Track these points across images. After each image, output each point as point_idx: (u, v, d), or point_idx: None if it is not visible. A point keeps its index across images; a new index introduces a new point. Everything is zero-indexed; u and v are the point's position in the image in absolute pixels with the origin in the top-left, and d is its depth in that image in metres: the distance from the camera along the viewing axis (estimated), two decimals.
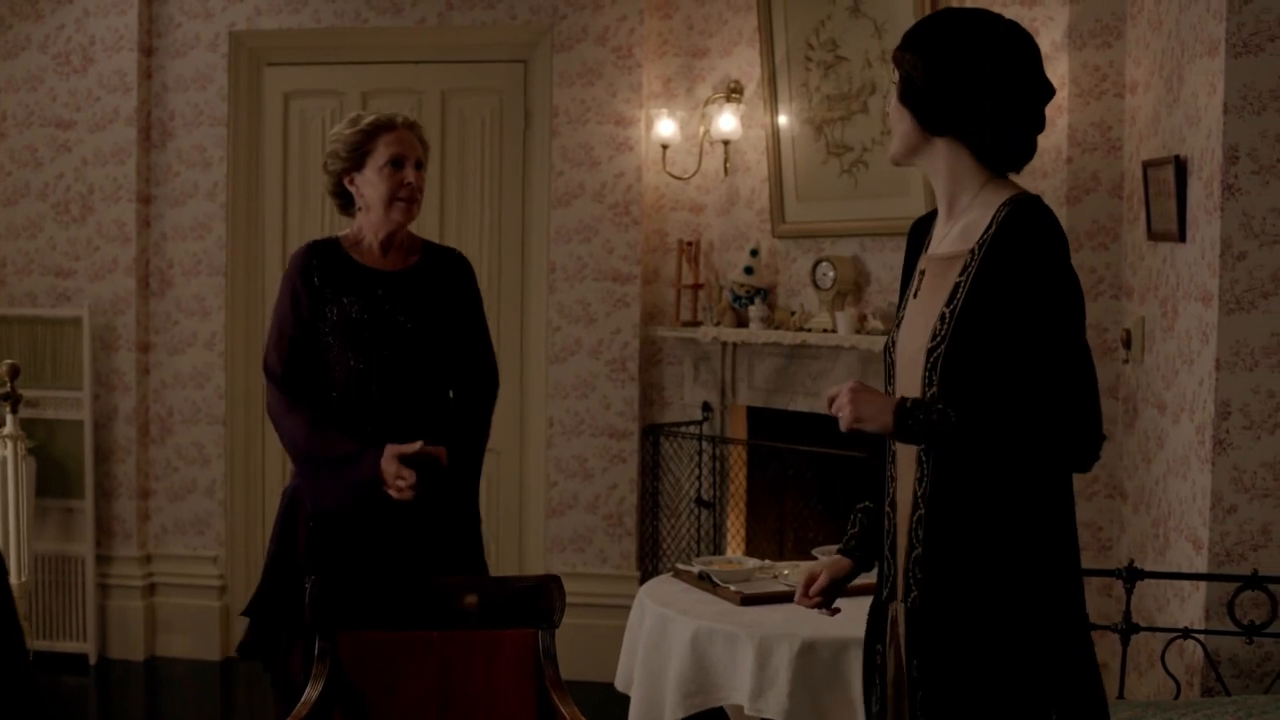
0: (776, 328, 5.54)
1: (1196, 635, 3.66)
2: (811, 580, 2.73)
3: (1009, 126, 2.43)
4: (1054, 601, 2.42)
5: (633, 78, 5.95)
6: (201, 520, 6.19)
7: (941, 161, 2.47)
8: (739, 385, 5.83)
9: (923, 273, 2.52)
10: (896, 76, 2.49)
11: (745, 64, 5.81)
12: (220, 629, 6.15)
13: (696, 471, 5.89)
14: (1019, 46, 2.46)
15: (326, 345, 3.50)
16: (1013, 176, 2.50)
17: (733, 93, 5.80)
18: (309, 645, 3.19)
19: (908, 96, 2.46)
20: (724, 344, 5.79)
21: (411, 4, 6.03)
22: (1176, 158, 3.93)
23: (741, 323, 5.72)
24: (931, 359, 2.40)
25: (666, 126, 5.85)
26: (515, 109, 6.05)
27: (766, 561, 4.06)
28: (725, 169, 5.86)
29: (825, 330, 5.31)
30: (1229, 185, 3.64)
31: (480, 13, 6.00)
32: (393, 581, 3.26)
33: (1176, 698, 3.69)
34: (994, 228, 2.38)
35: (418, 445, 3.41)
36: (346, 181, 3.57)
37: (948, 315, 2.39)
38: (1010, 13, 4.77)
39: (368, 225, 3.58)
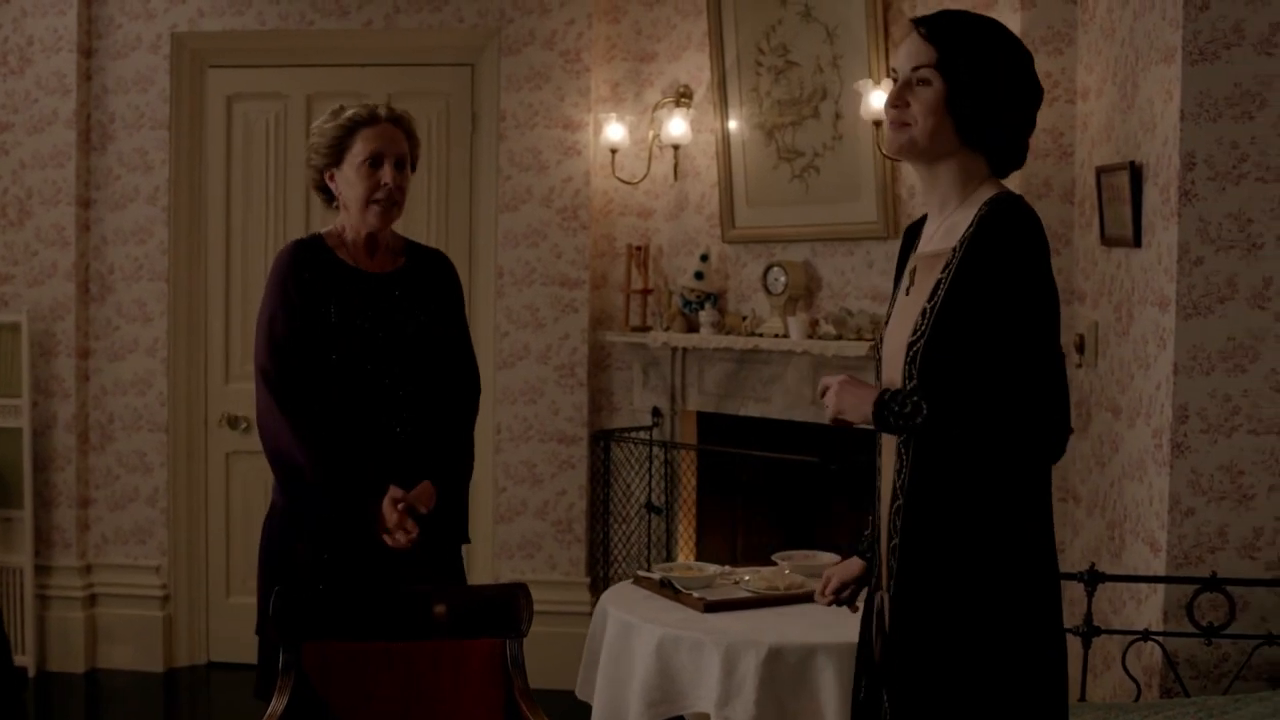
0: (727, 333, 5.54)
1: (1157, 637, 3.69)
2: (828, 581, 2.80)
3: (1022, 135, 2.52)
4: (1025, 597, 2.46)
5: (581, 82, 5.93)
6: (143, 529, 6.08)
7: (957, 168, 2.50)
8: (689, 390, 5.82)
9: (913, 271, 2.56)
10: (937, 78, 2.45)
11: (694, 68, 5.80)
12: (163, 640, 6.05)
13: (647, 477, 5.87)
14: (1027, 55, 2.53)
15: (324, 350, 3.37)
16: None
17: (682, 97, 5.79)
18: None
19: (956, 105, 2.45)
20: (674, 349, 5.77)
21: (357, 6, 5.97)
22: (1132, 164, 3.96)
23: (692, 328, 5.71)
24: (911, 353, 2.46)
25: (615, 131, 5.83)
26: (462, 113, 6.00)
27: (726, 567, 4.05)
28: (675, 174, 5.85)
29: (777, 335, 5.31)
30: (1186, 191, 3.67)
31: (427, 16, 5.95)
32: (357, 591, 3.21)
33: (1137, 699, 3.72)
34: (974, 225, 2.42)
35: (420, 495, 3.32)
36: (327, 178, 3.47)
37: (928, 310, 2.45)
38: None
39: (348, 224, 3.48)
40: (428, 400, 3.48)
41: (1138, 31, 4.04)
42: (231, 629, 6.05)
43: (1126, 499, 4.06)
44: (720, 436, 5.74)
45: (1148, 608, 3.86)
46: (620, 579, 5.94)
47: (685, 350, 5.75)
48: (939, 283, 2.45)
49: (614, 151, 5.86)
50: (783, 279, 5.32)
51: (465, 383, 3.60)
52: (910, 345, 2.46)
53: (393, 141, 3.44)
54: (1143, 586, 3.88)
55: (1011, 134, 2.51)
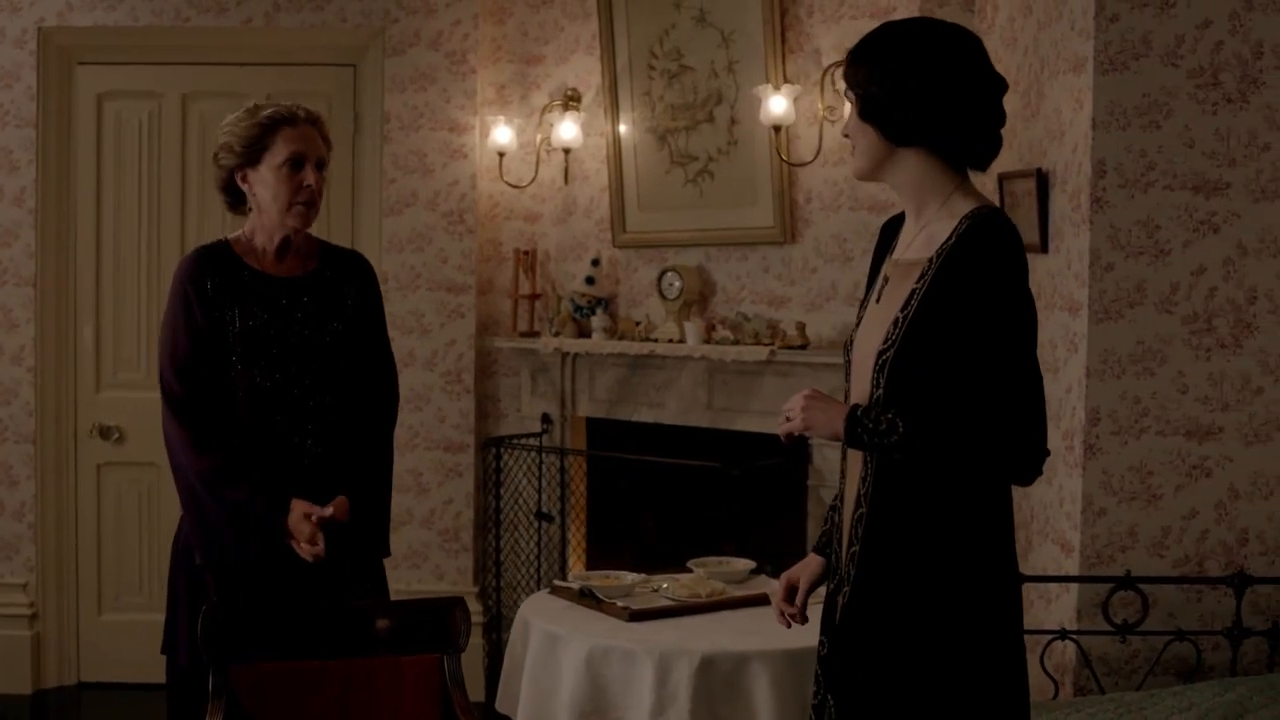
0: (620, 338, 5.50)
1: (1073, 636, 3.75)
2: (790, 587, 2.75)
3: (970, 126, 2.46)
4: (985, 607, 2.46)
5: (467, 84, 5.84)
6: (9, 545, 5.81)
7: (909, 172, 2.48)
8: (579, 396, 5.77)
9: (886, 278, 2.53)
10: (852, 96, 2.49)
11: (583, 71, 5.75)
12: (31, 660, 5.78)
13: (536, 484, 5.81)
14: (965, 46, 2.49)
15: (228, 361, 3.24)
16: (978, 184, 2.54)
17: (570, 101, 5.73)
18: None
19: (869, 112, 2.45)
20: (564, 355, 5.72)
21: (236, 4, 5.79)
22: (1039, 170, 4.03)
23: (583, 333, 5.66)
24: (880, 361, 2.43)
25: (503, 134, 5.75)
26: (345, 114, 5.86)
27: (643, 575, 4.01)
28: (566, 177, 5.79)
29: (671, 340, 5.29)
30: (1097, 199, 3.75)
31: (309, 15, 5.81)
32: (287, 610, 3.10)
33: (1055, 697, 3.78)
34: (954, 238, 2.40)
35: (330, 511, 3.20)
36: (239, 178, 3.30)
37: (900, 320, 2.42)
38: (861, 27, 4.84)
39: (260, 228, 3.33)
40: (341, 411, 3.35)
41: (1043, 41, 4.12)
42: (104, 648, 5.82)
43: (1034, 501, 4.12)
44: (611, 442, 5.70)
45: (1058, 607, 3.92)
46: (510, 588, 5.87)
47: (575, 356, 5.70)
48: (914, 292, 2.41)
49: (501, 155, 5.78)
50: (678, 284, 5.31)
51: (383, 391, 3.49)
52: (880, 354, 2.43)
53: (312, 142, 3.31)
54: (1053, 586, 3.95)
55: (957, 128, 2.44)
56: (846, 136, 2.58)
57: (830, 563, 2.71)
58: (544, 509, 5.79)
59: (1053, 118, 4.01)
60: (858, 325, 2.58)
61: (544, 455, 5.76)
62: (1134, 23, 3.74)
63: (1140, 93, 3.74)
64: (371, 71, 5.85)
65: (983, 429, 2.37)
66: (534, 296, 5.88)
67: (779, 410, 4.93)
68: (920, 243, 2.49)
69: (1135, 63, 3.74)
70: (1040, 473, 2.45)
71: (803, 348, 4.89)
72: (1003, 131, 2.54)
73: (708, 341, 5.15)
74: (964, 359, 2.37)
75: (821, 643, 2.65)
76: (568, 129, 5.65)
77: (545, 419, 5.82)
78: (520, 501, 5.87)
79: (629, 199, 5.57)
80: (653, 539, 5.55)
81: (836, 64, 4.83)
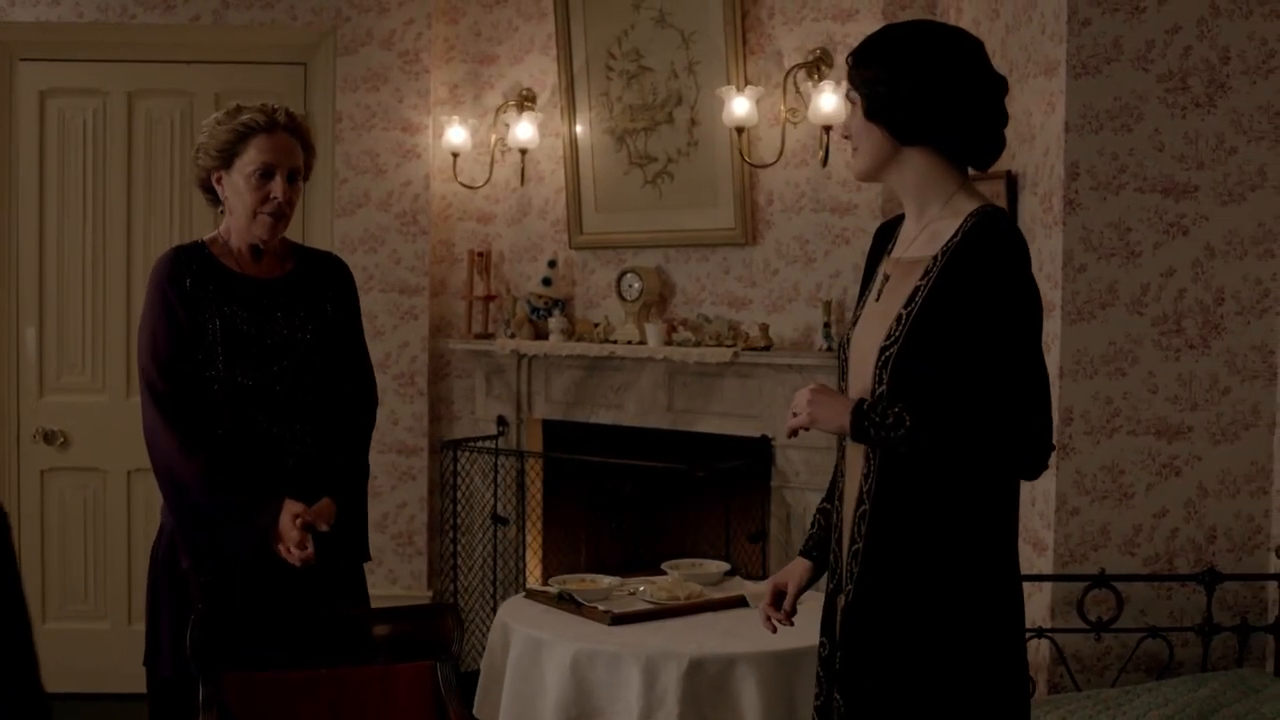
0: (578, 339, 5.48)
1: (1050, 634, 3.79)
2: (779, 591, 2.73)
3: (974, 125, 2.49)
4: (988, 606, 2.47)
5: (420, 84, 5.79)
6: None
7: (913, 171, 2.50)
8: (535, 398, 5.73)
9: (886, 276, 2.54)
10: (856, 96, 2.51)
11: (538, 72, 5.72)
12: None
13: (493, 487, 5.77)
14: (968, 47, 2.52)
15: (209, 360, 3.19)
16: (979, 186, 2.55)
17: (525, 101, 5.70)
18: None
19: (876, 111, 2.47)
20: (520, 356, 5.68)
21: (184, 0, 5.69)
22: (1009, 173, 4.07)
23: (540, 335, 5.62)
24: (883, 358, 2.43)
25: (457, 134, 5.71)
26: None
27: (619, 579, 4.00)
28: (522, 178, 5.76)
29: (631, 342, 5.27)
30: (1070, 200, 3.79)
31: (258, 12, 5.72)
32: (278, 618, 3.05)
33: (1031, 695, 3.80)
34: (959, 236, 2.42)
35: (320, 512, 3.17)
36: (214, 179, 3.28)
37: (904, 316, 2.43)
38: (823, 29, 4.87)
39: (234, 230, 3.30)
40: (322, 412, 3.32)
41: (1011, 45, 4.15)
42: (49, 658, 5.64)
43: None
44: (567, 444, 5.67)
45: (1032, 606, 3.95)
46: (465, 592, 5.82)
47: (531, 358, 5.66)
48: (917, 289, 2.43)
49: (455, 155, 5.74)
50: (638, 285, 5.29)
51: (361, 393, 3.46)
52: (882, 350, 2.44)
53: (287, 153, 3.25)
54: (1027, 585, 3.97)
55: (961, 126, 2.47)
56: (847, 137, 2.59)
57: (828, 564, 2.71)
58: (500, 512, 5.75)
59: (1022, 120, 4.05)
60: (855, 324, 2.59)
61: (501, 458, 5.72)
62: (1105, 27, 3.78)
63: (1112, 96, 3.79)
64: (322, 70, 5.78)
65: (989, 422, 2.38)
66: (488, 298, 5.84)
67: (740, 412, 4.99)
68: (923, 241, 2.51)
69: (1107, 67, 3.79)
70: (1046, 466, 2.47)
71: (766, 349, 4.90)
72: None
73: (669, 343, 5.14)
74: (969, 354, 2.38)
75: (822, 644, 2.65)
76: (524, 129, 5.62)
77: (501, 421, 5.77)
78: (475, 505, 5.83)
79: (586, 200, 5.54)
80: (612, 541, 5.52)
81: (799, 65, 4.85)
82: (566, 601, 3.78)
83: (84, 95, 5.72)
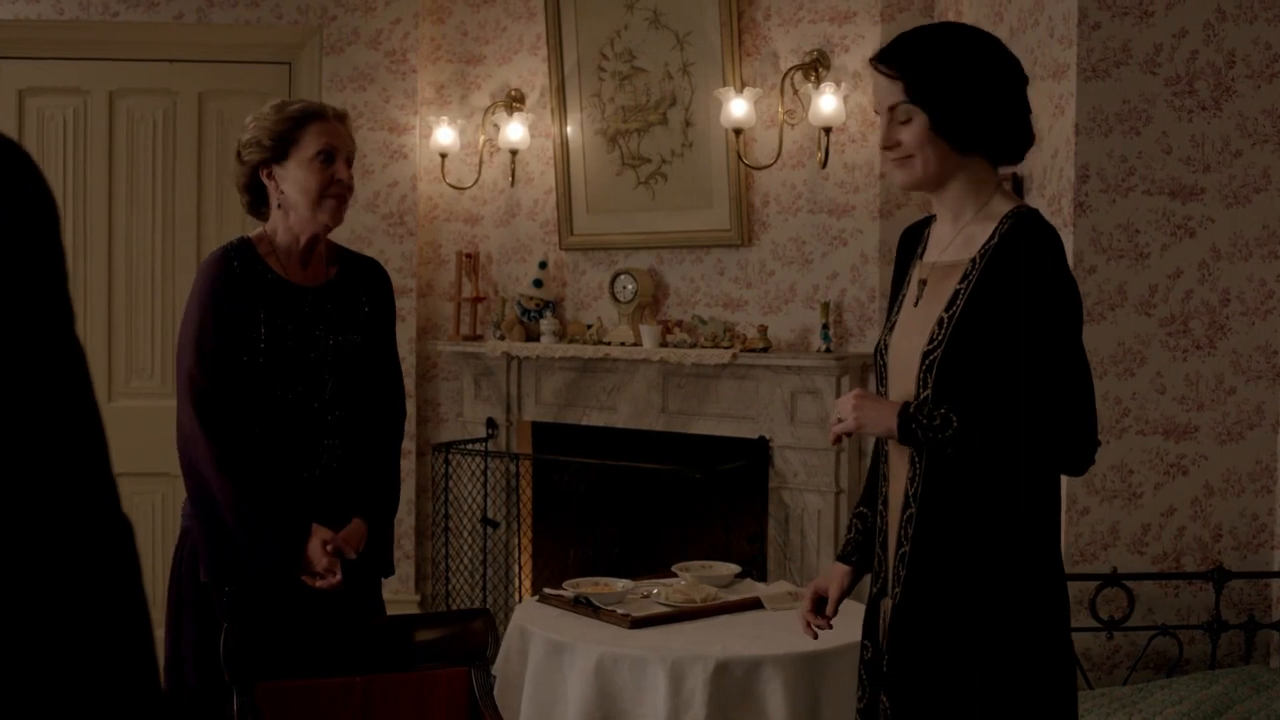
0: (570, 341, 5.46)
1: None
2: (819, 596, 2.73)
3: (1020, 123, 2.49)
4: (1037, 607, 2.48)
5: (407, 84, 5.75)
6: None
7: (965, 178, 2.49)
8: (525, 401, 5.71)
9: (923, 282, 2.54)
10: (916, 109, 2.45)
11: (526, 72, 5.70)
12: None
13: (482, 490, 5.74)
14: (997, 45, 2.51)
15: (250, 369, 3.09)
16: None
17: (514, 102, 5.68)
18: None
19: (946, 125, 2.44)
20: (510, 358, 5.65)
21: None
22: (1015, 175, 4.09)
23: (530, 336, 5.60)
24: (927, 362, 2.44)
25: (445, 135, 5.68)
26: None
27: (631, 582, 3.98)
28: (513, 179, 5.73)
29: (624, 344, 5.26)
30: (1080, 203, 3.82)
31: (243, 10, 5.66)
32: (311, 626, 3.02)
33: None
34: (996, 239, 2.43)
35: (349, 538, 3.13)
36: (264, 174, 3.14)
37: (946, 320, 2.43)
38: (821, 30, 4.88)
39: (285, 227, 3.17)
40: (354, 425, 3.24)
41: (1016, 48, 4.13)
42: None
43: None
44: (557, 447, 5.65)
45: None
46: (457, 595, 5.79)
47: (522, 359, 5.64)
48: (957, 292, 2.44)
49: (444, 156, 5.71)
50: (631, 287, 5.28)
51: (393, 407, 3.38)
52: (926, 354, 2.44)
53: (344, 138, 3.19)
54: None
55: (1010, 129, 2.49)
56: (888, 148, 2.52)
57: (870, 568, 2.71)
58: (489, 515, 5.72)
59: None
60: (891, 329, 2.59)
61: (490, 460, 5.69)
62: (1115, 31, 3.82)
63: (1121, 99, 3.82)
64: (308, 70, 5.73)
65: (1036, 420, 2.39)
66: (477, 300, 5.81)
67: (737, 413, 4.99)
68: (959, 244, 2.51)
69: (1116, 70, 3.82)
70: (1093, 461, 2.48)
71: (765, 350, 4.90)
72: None
73: (665, 345, 5.13)
74: (1013, 353, 2.39)
75: (865, 646, 2.65)
76: (515, 130, 5.59)
77: (490, 424, 5.74)
78: (464, 508, 5.80)
79: (577, 201, 5.53)
80: (604, 544, 5.50)
81: (796, 67, 4.86)
82: (583, 605, 3.76)
83: (64, 94, 5.64)
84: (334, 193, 3.14)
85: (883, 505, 2.61)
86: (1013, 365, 2.40)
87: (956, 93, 2.44)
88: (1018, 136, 2.53)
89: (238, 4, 5.65)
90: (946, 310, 2.44)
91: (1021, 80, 2.52)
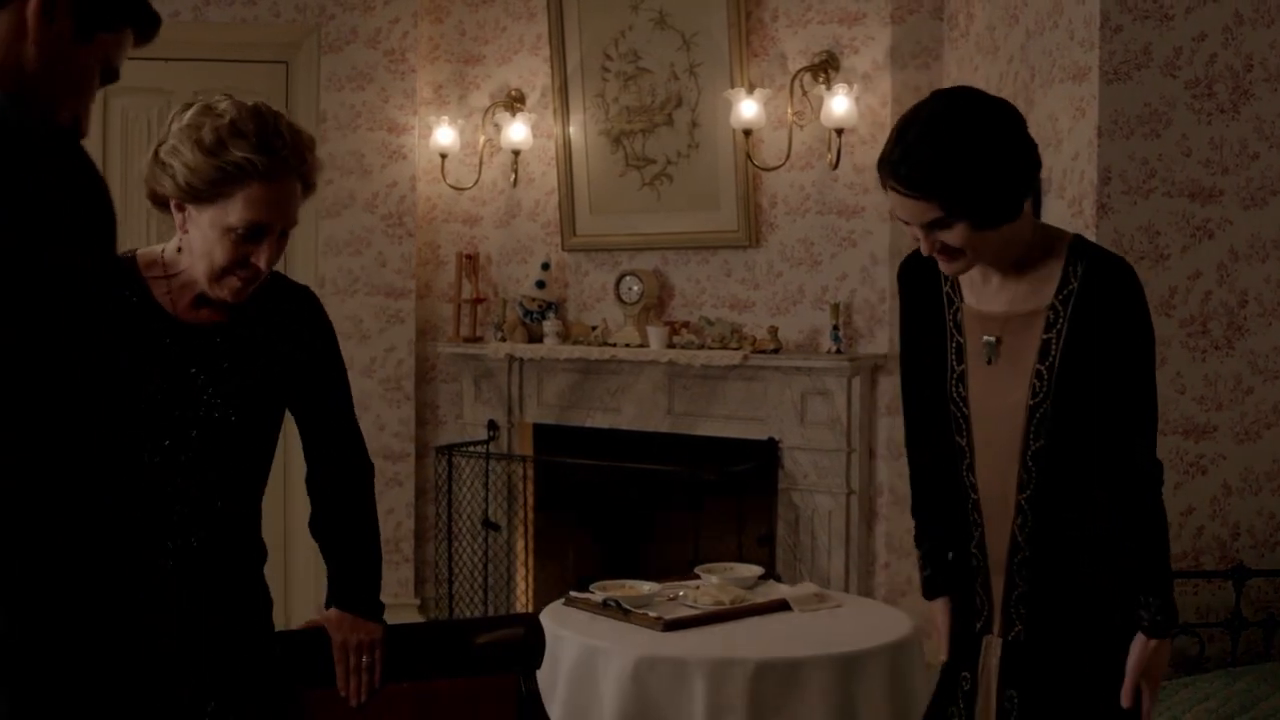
0: (574, 342, 5.44)
1: None
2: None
3: (1036, 172, 2.46)
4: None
5: (406, 83, 5.72)
6: None
7: (1016, 235, 2.43)
8: (526, 402, 5.69)
9: (997, 339, 2.49)
10: (954, 220, 2.36)
11: (527, 72, 5.68)
12: None
13: (484, 493, 5.71)
14: (1006, 116, 2.42)
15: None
16: None
17: (515, 102, 5.65)
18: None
19: (986, 224, 2.37)
20: (512, 360, 5.63)
21: None
22: None
23: (532, 338, 5.58)
24: (1036, 416, 2.43)
25: (445, 135, 5.65)
26: None
27: (657, 584, 3.98)
28: (515, 180, 5.71)
29: (629, 345, 5.25)
30: (1103, 205, 3.84)
31: (240, 9, 5.61)
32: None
33: None
34: (1076, 284, 2.42)
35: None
36: (174, 202, 2.38)
37: (1045, 372, 2.42)
38: (830, 33, 4.89)
39: (186, 266, 2.44)
40: (227, 492, 2.53)
41: (1033, 50, 4.20)
42: None
43: None
44: (560, 449, 5.63)
45: None
46: (458, 599, 5.77)
47: (523, 361, 5.62)
48: (1047, 342, 2.42)
49: (444, 156, 5.68)
50: (637, 288, 5.27)
51: (350, 464, 2.79)
52: (1033, 408, 2.43)
53: (285, 204, 2.38)
54: None
55: (1031, 183, 2.43)
56: (931, 256, 2.44)
57: (971, 604, 2.65)
58: (490, 517, 5.70)
59: (1046, 125, 4.09)
60: (960, 379, 2.53)
61: (492, 462, 5.67)
62: (1136, 34, 3.84)
63: (1142, 102, 3.85)
64: (305, 69, 5.69)
65: (1149, 463, 2.49)
66: (477, 301, 5.78)
67: (745, 414, 4.99)
68: (1023, 291, 2.46)
69: (1137, 73, 3.85)
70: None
71: (775, 351, 4.91)
72: None
73: (672, 346, 5.13)
74: (1117, 397, 2.43)
75: (964, 678, 2.62)
76: (517, 130, 5.57)
77: (491, 425, 5.72)
78: (464, 511, 5.77)
79: (579, 202, 5.51)
80: (611, 546, 5.50)
81: (805, 69, 4.86)
82: (613, 608, 3.75)
83: None
84: (245, 275, 2.38)
85: (977, 549, 2.57)
86: (1118, 408, 2.43)
87: (993, 194, 2.35)
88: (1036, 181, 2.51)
89: (234, 2, 5.60)
90: (1041, 362, 2.43)
91: (1025, 136, 2.41)
